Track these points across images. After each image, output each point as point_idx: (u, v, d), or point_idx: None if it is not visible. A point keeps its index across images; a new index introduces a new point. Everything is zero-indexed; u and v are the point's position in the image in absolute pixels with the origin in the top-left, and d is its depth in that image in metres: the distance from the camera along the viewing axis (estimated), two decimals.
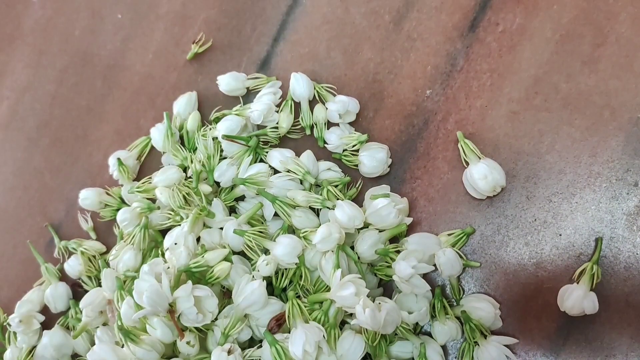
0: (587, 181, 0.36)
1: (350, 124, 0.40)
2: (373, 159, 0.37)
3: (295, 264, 0.35)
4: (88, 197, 0.41)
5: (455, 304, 0.36)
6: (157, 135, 0.41)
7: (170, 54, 0.44)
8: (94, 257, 0.41)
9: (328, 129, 0.39)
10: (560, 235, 0.36)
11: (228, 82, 0.41)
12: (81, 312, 0.38)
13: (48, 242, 0.43)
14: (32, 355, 0.39)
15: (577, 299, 0.33)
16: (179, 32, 0.44)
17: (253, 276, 0.34)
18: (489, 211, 0.37)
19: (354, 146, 0.38)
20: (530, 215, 0.36)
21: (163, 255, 0.36)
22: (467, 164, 0.37)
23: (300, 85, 0.39)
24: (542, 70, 0.38)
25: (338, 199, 0.35)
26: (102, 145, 0.44)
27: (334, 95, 0.40)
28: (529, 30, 0.38)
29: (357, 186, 0.39)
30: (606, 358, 0.34)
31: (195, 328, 0.33)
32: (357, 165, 0.38)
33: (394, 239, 0.37)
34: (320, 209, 0.37)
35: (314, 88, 0.40)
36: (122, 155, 0.41)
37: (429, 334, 0.36)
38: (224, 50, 0.43)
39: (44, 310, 0.41)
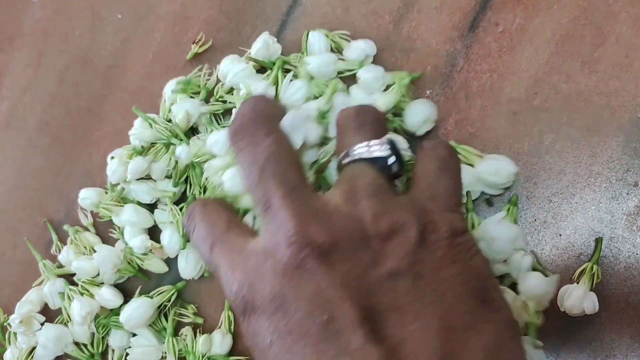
0: (587, 181, 0.36)
1: None
2: None
3: None
4: (88, 197, 0.41)
5: None
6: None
7: (170, 54, 0.44)
8: (85, 247, 0.41)
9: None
10: (560, 235, 0.36)
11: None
12: None
13: (48, 242, 0.43)
14: (32, 356, 0.39)
15: (577, 299, 0.33)
16: (179, 32, 0.44)
17: None
18: (489, 211, 0.37)
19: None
20: (530, 215, 0.36)
21: None
22: (471, 165, 0.37)
23: (316, 41, 0.39)
24: (542, 71, 0.38)
25: None
26: (102, 145, 0.44)
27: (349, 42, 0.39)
28: (529, 31, 0.38)
29: None
30: (606, 358, 0.34)
31: None
32: None
33: None
34: None
35: (328, 37, 0.39)
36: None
37: None
38: (223, 50, 0.43)
39: (44, 308, 0.41)
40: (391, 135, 0.31)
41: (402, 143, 0.35)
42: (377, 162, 0.28)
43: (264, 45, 0.40)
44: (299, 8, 0.42)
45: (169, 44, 0.44)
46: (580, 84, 0.37)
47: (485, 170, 0.36)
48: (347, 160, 0.28)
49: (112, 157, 0.40)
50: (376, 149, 0.28)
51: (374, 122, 0.30)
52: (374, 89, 0.37)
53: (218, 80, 0.41)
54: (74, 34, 0.46)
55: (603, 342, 0.35)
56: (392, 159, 0.28)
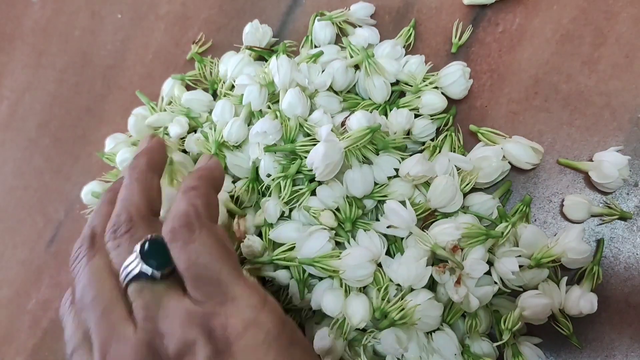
0: (587, 181, 0.36)
1: None
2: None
3: None
4: (90, 191, 0.42)
5: None
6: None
7: (170, 54, 0.44)
8: None
9: None
10: None
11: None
12: None
13: (48, 242, 0.43)
14: None
15: (576, 299, 0.33)
16: (179, 32, 0.44)
17: None
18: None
19: None
20: (531, 215, 0.36)
21: None
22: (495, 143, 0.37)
23: (322, 30, 0.40)
24: (542, 71, 0.38)
25: None
26: (102, 145, 0.44)
27: (354, 27, 0.40)
28: (529, 31, 0.38)
29: None
30: (606, 358, 0.34)
31: None
32: None
33: None
34: None
35: (333, 24, 0.40)
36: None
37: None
38: (224, 50, 0.43)
39: None
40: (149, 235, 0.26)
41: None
42: (143, 277, 0.25)
43: (252, 29, 0.40)
44: (299, 8, 0.42)
45: (169, 44, 0.44)
46: (580, 84, 0.37)
47: (513, 148, 0.36)
48: (125, 281, 0.26)
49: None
50: (133, 267, 0.25)
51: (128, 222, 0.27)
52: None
53: (219, 80, 0.41)
54: (73, 33, 0.46)
55: (603, 342, 0.35)
56: (148, 270, 0.25)
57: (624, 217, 0.35)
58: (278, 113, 0.36)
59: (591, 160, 0.36)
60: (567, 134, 0.37)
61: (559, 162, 0.36)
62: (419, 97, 0.37)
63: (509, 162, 0.36)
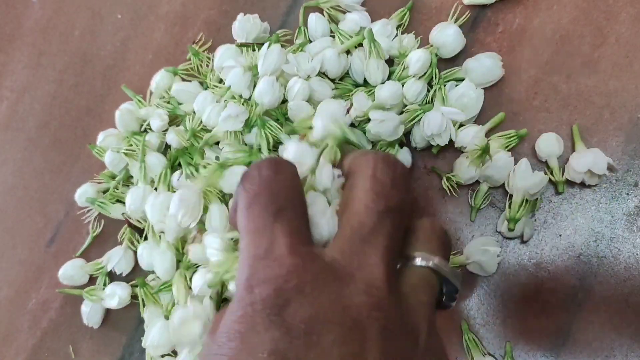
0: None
1: None
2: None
3: None
4: (83, 194, 0.42)
5: None
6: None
7: (170, 54, 0.44)
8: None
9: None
10: (560, 235, 0.36)
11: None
12: None
13: (47, 242, 0.43)
14: None
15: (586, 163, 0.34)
16: (179, 33, 0.44)
17: None
18: (489, 211, 0.37)
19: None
20: (530, 215, 0.36)
21: None
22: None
23: (316, 24, 0.40)
24: (542, 71, 0.38)
25: None
26: None
27: (344, 13, 0.40)
28: (528, 31, 0.38)
29: None
30: (606, 358, 0.34)
31: None
32: None
33: None
34: None
35: (324, 14, 0.40)
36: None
37: None
38: None
39: None
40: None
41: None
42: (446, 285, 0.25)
43: (242, 21, 0.41)
44: (299, 8, 0.42)
45: (169, 44, 0.44)
46: (580, 84, 0.37)
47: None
48: (422, 264, 0.25)
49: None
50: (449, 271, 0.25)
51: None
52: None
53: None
54: (73, 34, 0.46)
55: (603, 342, 0.35)
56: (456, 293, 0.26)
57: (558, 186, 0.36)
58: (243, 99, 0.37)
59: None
60: (567, 134, 0.37)
61: None
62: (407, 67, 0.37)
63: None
